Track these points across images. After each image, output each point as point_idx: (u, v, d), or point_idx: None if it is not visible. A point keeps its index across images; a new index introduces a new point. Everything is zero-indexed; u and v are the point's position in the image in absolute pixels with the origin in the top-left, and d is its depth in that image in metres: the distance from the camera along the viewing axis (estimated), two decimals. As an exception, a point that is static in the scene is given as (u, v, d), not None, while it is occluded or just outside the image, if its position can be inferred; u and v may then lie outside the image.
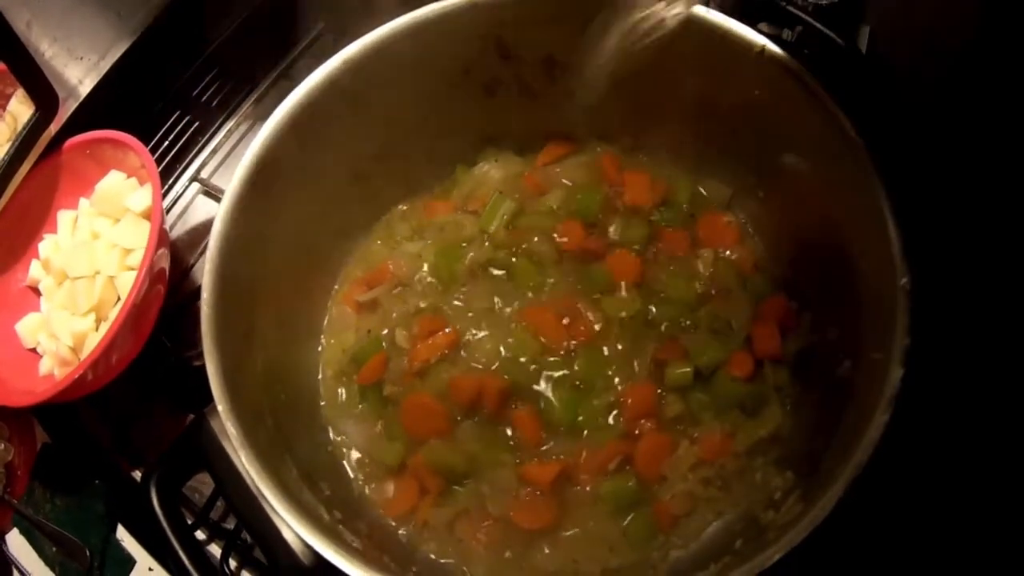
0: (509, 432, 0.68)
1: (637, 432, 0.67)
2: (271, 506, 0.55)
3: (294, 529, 0.53)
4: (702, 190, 0.76)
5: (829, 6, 0.59)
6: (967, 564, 0.60)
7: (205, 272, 0.62)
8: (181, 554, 0.55)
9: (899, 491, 0.59)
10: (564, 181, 0.76)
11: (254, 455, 0.56)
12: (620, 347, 0.69)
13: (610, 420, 0.67)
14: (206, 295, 0.61)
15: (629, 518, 0.65)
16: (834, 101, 0.60)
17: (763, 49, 0.62)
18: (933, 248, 0.56)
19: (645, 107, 0.73)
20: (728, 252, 0.73)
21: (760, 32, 0.63)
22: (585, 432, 0.67)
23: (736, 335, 0.69)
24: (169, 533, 0.57)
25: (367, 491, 0.69)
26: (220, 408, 0.57)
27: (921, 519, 0.62)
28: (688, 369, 0.67)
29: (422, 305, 0.73)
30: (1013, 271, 0.59)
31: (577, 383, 0.68)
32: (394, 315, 0.73)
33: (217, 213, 0.64)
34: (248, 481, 0.56)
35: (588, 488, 0.66)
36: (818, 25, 0.60)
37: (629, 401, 0.67)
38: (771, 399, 0.67)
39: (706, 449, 0.66)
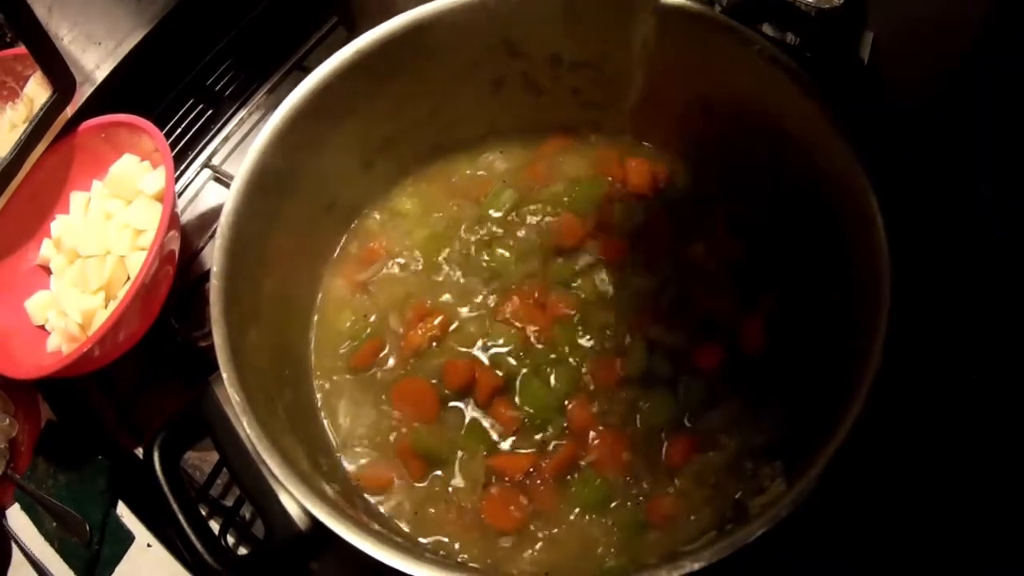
0: (489, 423, 0.69)
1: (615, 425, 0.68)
2: (270, 472, 0.56)
3: (292, 493, 0.55)
4: (699, 183, 0.77)
5: (832, 11, 0.61)
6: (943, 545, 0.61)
7: (216, 248, 0.64)
8: (179, 515, 0.57)
9: (877, 473, 0.61)
10: (566, 173, 0.78)
11: (255, 422, 0.57)
12: (601, 343, 0.70)
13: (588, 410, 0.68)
14: (216, 268, 0.63)
15: (613, 510, 0.65)
16: (829, 102, 0.62)
17: (760, 48, 0.64)
18: (919, 241, 0.58)
19: (645, 103, 0.75)
20: (721, 245, 0.74)
21: (763, 34, 0.64)
22: (563, 426, 0.68)
23: (723, 328, 0.70)
24: (169, 494, 0.58)
25: (355, 470, 0.69)
26: (225, 376, 0.59)
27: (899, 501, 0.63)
28: (666, 360, 0.68)
29: (414, 288, 0.74)
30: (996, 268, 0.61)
31: (558, 373, 0.69)
32: (388, 298, 0.75)
33: (229, 193, 0.66)
34: (249, 447, 0.58)
35: (567, 480, 0.67)
36: (819, 30, 0.62)
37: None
38: (763, 396, 0.67)
39: (691, 444, 0.66)
